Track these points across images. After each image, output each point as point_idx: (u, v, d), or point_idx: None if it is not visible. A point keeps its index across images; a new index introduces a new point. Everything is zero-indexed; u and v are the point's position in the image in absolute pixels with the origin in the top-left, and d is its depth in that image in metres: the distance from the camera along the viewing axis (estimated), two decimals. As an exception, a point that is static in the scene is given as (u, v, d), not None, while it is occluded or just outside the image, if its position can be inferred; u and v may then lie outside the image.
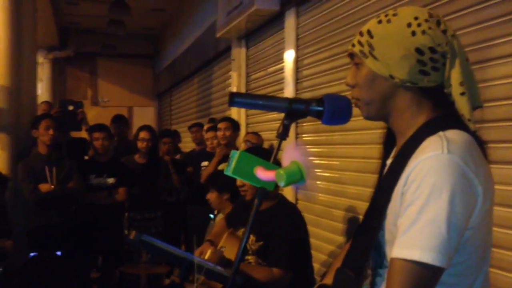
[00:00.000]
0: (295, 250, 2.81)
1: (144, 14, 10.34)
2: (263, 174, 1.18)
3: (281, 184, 1.14)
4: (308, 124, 4.37)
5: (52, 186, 4.42)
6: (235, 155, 1.21)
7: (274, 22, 5.13)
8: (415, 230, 1.09)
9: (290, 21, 4.69)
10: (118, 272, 4.87)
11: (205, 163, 5.17)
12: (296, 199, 4.58)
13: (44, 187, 4.40)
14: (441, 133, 1.16)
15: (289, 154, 1.19)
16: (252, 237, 2.94)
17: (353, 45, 1.28)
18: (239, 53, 6.09)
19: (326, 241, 4.10)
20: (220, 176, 3.61)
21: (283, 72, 4.86)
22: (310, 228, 4.28)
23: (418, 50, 1.19)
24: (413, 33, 1.19)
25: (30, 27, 5.20)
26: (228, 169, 1.21)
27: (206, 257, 2.73)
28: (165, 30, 11.70)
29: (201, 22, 7.91)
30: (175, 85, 10.68)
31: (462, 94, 1.19)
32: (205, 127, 5.74)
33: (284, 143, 1.22)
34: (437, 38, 1.20)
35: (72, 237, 4.57)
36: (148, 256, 3.58)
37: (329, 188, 4.07)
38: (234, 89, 6.18)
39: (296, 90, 4.58)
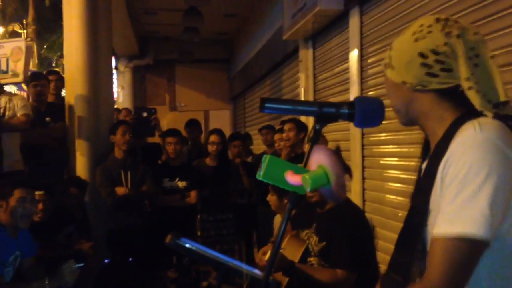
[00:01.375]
0: (357, 251, 2.77)
1: (217, 20, 10.56)
2: (292, 178, 1.20)
3: (307, 189, 1.15)
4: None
5: (128, 190, 4.64)
6: (265, 160, 1.23)
7: (338, 21, 5.08)
8: (454, 207, 1.10)
9: (354, 20, 4.63)
10: (194, 271, 5.02)
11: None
12: (364, 200, 4.51)
13: (120, 190, 4.63)
14: (473, 120, 1.18)
15: (316, 158, 1.19)
16: (315, 238, 2.94)
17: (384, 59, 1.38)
18: (306, 54, 6.09)
19: (394, 243, 4.00)
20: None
21: (348, 72, 4.81)
22: (378, 230, 4.21)
23: (421, 54, 1.25)
24: (416, 40, 1.27)
25: (106, 37, 5.45)
26: (260, 173, 1.24)
27: (266, 257, 2.77)
28: (238, 34, 11.90)
29: (270, 25, 7.98)
30: (248, 87, 10.84)
31: (470, 88, 1.20)
32: (277, 127, 5.79)
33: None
34: (436, 39, 1.24)
35: (147, 238, 4.76)
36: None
37: (401, 189, 3.96)
38: (302, 90, 6.18)
39: (362, 89, 4.51)
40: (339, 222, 2.84)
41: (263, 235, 5.23)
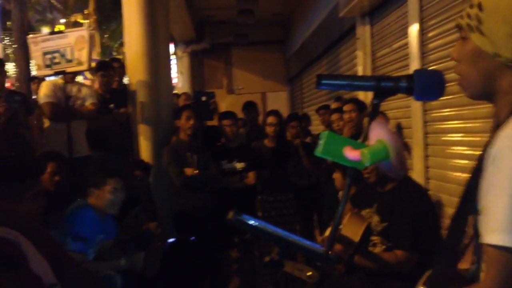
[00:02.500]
0: (419, 231, 2.73)
1: (271, 0, 10.51)
2: (351, 153, 1.20)
3: (366, 163, 1.15)
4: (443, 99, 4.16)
5: (196, 171, 4.74)
6: (323, 137, 1.24)
7: (397, -5, 4.95)
8: (496, 213, 1.05)
9: (413, -7, 4.49)
10: (257, 250, 5.10)
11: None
12: (427, 178, 4.41)
13: (189, 171, 4.72)
14: None
15: (375, 133, 1.19)
16: (376, 218, 2.92)
17: (462, 17, 1.21)
18: (363, 31, 5.96)
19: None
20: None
21: (407, 47, 4.67)
22: (443, 208, 4.11)
23: None
24: None
25: (164, 23, 5.57)
26: (318, 150, 1.24)
27: (326, 234, 2.78)
28: (293, 14, 11.79)
29: (326, 3, 7.86)
30: (304, 68, 10.76)
31: None
32: (332, 106, 5.74)
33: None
34: None
35: (211, 219, 4.86)
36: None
37: (466, 166, 3.84)
38: (360, 68, 6.08)
39: (423, 64, 4.38)
40: (401, 202, 2.81)
41: (325, 214, 5.22)
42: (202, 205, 4.80)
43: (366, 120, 1.21)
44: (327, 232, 2.82)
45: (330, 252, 1.26)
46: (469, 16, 1.19)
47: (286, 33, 13.02)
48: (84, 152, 4.87)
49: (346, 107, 4.80)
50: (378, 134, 1.18)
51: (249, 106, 6.31)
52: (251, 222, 1.53)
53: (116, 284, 2.97)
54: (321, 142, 1.23)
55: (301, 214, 5.67)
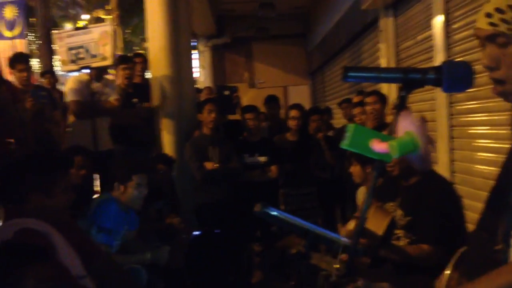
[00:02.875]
0: (444, 225, 2.70)
1: (293, -7, 10.46)
2: (378, 146, 1.19)
3: (394, 155, 1.14)
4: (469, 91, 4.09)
5: (216, 165, 4.76)
6: (350, 129, 1.23)
7: (421, -14, 4.88)
8: None
9: (437, -16, 4.43)
10: (280, 245, 5.11)
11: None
12: (453, 172, 4.36)
13: (209, 165, 4.75)
14: None
15: (402, 125, 1.18)
16: (399, 212, 2.89)
17: (494, 24, 1.18)
18: (386, 23, 5.90)
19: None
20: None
21: (432, 39, 4.61)
22: (468, 202, 4.06)
23: None
24: None
25: (186, 17, 5.60)
26: (345, 143, 1.24)
27: (350, 227, 2.77)
28: (315, 7, 11.72)
29: (348, -4, 7.80)
30: (326, 61, 10.69)
31: None
32: (354, 100, 5.70)
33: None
34: None
35: (233, 213, 4.88)
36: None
37: (492, 159, 3.78)
38: (383, 61, 6.02)
39: (448, 56, 4.32)
40: (425, 196, 2.77)
41: (350, 208, 5.20)
42: (224, 198, 4.82)
43: (390, 112, 1.21)
44: (350, 225, 2.81)
45: (357, 245, 1.26)
46: (505, 21, 1.16)
47: (308, 26, 12.95)
48: (108, 146, 4.93)
49: (368, 99, 4.77)
50: (406, 126, 1.17)
51: (271, 100, 6.31)
52: (278, 214, 1.53)
53: (142, 278, 3.02)
54: (348, 134, 1.23)
55: (323, 208, 5.66)
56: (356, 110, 5.20)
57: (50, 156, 2.48)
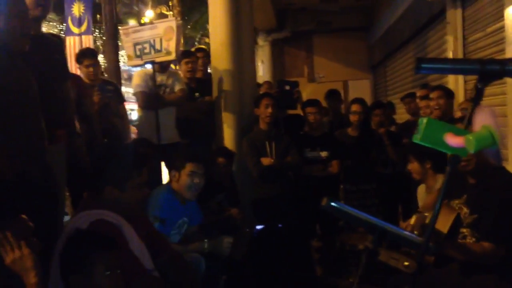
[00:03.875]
0: (509, 224, 2.60)
1: (355, -14, 10.28)
2: (453, 140, 1.14)
3: (471, 150, 1.09)
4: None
5: (272, 160, 4.77)
6: (423, 122, 1.19)
7: (492, -25, 4.67)
8: None
9: (510, -28, 4.22)
10: (338, 241, 5.05)
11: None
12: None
13: (266, 160, 4.77)
14: None
15: (480, 118, 1.12)
16: (465, 210, 2.80)
17: None
18: (454, 15, 5.69)
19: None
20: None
21: (504, 31, 4.40)
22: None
23: None
24: None
25: (247, 12, 5.61)
26: (417, 137, 1.20)
27: (412, 222, 2.70)
28: (378, 0, 11.47)
29: (413, -13, 7.58)
30: (389, 55, 10.45)
31: None
32: (418, 94, 5.54)
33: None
34: None
35: (292, 208, 4.87)
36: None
37: None
38: (450, 54, 5.81)
39: (521, 49, 4.12)
40: (494, 193, 2.67)
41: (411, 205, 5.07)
42: (282, 193, 4.82)
43: (459, 107, 1.15)
44: (412, 220, 2.74)
45: (429, 242, 1.21)
46: None
47: (370, 19, 12.68)
48: (171, 139, 5.03)
49: (433, 94, 4.63)
50: (483, 119, 1.11)
51: (332, 94, 6.24)
52: (346, 209, 1.51)
53: (201, 267, 3.05)
54: (420, 128, 1.19)
55: (384, 205, 5.54)
56: (422, 103, 5.06)
57: (128, 153, 2.56)
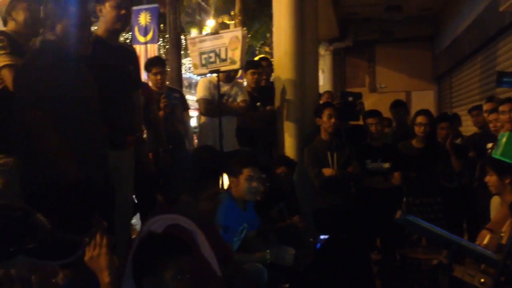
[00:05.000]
0: None
1: (422, -5, 10.09)
2: (536, 157, 1.11)
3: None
4: None
5: (334, 171, 4.74)
6: (503, 137, 1.16)
7: None
8: None
9: None
10: (399, 255, 4.95)
11: (490, 145, 4.85)
12: None
13: (327, 171, 4.75)
14: None
15: None
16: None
17: None
18: (528, 26, 5.48)
19: None
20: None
21: None
22: None
23: None
24: None
25: (312, 22, 5.61)
26: (496, 152, 1.17)
27: (485, 242, 2.61)
28: (444, 9, 11.19)
29: (482, -3, 7.35)
30: (455, 66, 10.17)
31: None
32: (485, 107, 5.36)
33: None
34: None
35: (353, 219, 4.81)
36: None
37: None
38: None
39: None
40: None
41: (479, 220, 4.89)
42: (343, 204, 4.77)
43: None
44: (486, 239, 2.64)
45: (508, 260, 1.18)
46: None
47: (435, 29, 12.39)
48: (232, 147, 5.10)
49: (503, 107, 4.47)
50: None
51: (398, 105, 6.14)
52: (421, 223, 1.48)
53: (263, 277, 3.07)
54: (500, 143, 1.16)
55: (448, 220, 5.38)
56: (491, 117, 4.89)
57: (205, 163, 2.63)
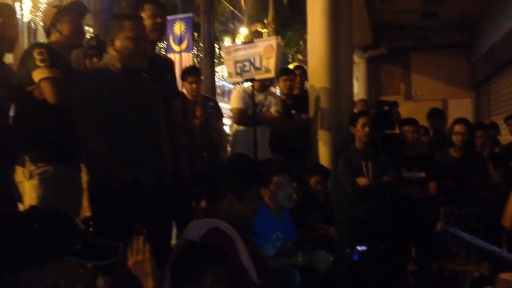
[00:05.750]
0: None
1: (458, 2, 9.93)
2: None
3: None
4: None
5: (368, 180, 4.70)
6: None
7: None
8: None
9: None
10: (436, 266, 4.86)
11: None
12: None
13: (362, 180, 4.72)
14: None
15: None
16: None
17: None
18: None
19: None
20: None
21: None
22: None
23: None
24: None
25: (346, 30, 5.59)
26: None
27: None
28: (482, 16, 10.99)
29: (523, 2, 7.18)
30: (493, 73, 9.95)
31: None
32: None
33: None
34: None
35: (389, 229, 4.75)
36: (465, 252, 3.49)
37: None
38: None
39: None
40: None
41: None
42: (378, 213, 4.73)
43: None
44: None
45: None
46: None
47: (472, 36, 12.17)
48: (265, 155, 5.11)
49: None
50: None
51: (435, 113, 6.06)
52: (462, 235, 1.46)
53: (295, 281, 3.07)
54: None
55: (487, 231, 5.25)
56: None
57: (251, 164, 2.66)
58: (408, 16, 10.90)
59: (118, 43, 2.92)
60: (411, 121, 5.03)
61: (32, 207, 1.66)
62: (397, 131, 5.39)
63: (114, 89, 2.85)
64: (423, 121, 6.16)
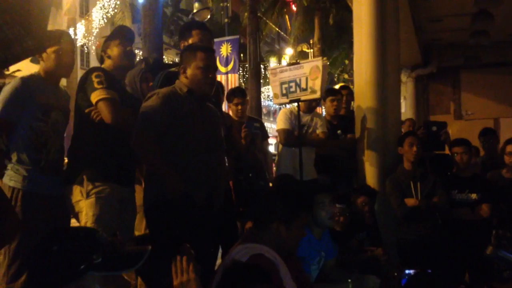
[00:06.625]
0: None
1: (509, 20, 9.69)
2: None
3: None
4: None
5: (417, 201, 4.61)
6: None
7: None
8: None
9: None
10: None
11: None
12: None
13: (410, 201, 4.64)
14: None
15: None
16: None
17: None
18: None
19: None
20: None
21: None
22: None
23: None
24: None
25: (394, 50, 5.54)
26: None
27: None
28: (535, 32, 10.67)
29: None
30: (548, 91, 9.61)
31: None
32: None
33: None
34: None
35: (439, 252, 4.64)
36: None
37: None
38: None
39: None
40: None
41: None
42: (428, 235, 4.62)
43: None
44: None
45: None
46: None
47: (524, 54, 11.81)
48: (310, 176, 5.10)
49: None
50: None
51: (487, 133, 5.91)
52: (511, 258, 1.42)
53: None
54: None
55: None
56: None
57: (301, 192, 2.69)
58: (457, 35, 10.70)
59: (189, 71, 3.10)
60: (462, 142, 4.92)
61: (51, 229, 1.75)
62: (447, 151, 5.27)
63: (178, 106, 3.02)
64: (474, 140, 6.01)
